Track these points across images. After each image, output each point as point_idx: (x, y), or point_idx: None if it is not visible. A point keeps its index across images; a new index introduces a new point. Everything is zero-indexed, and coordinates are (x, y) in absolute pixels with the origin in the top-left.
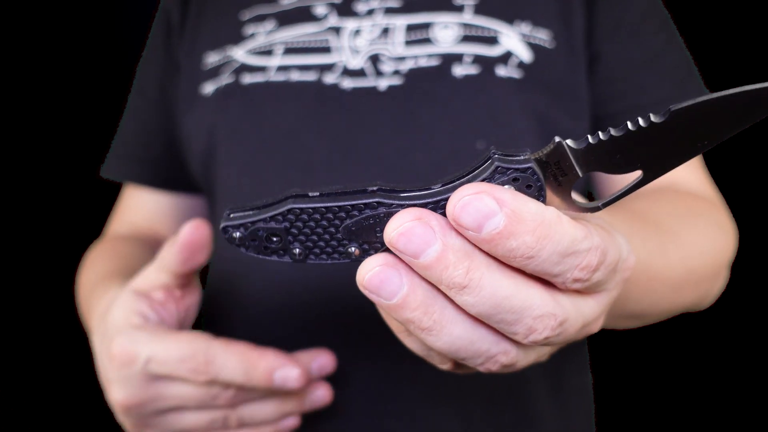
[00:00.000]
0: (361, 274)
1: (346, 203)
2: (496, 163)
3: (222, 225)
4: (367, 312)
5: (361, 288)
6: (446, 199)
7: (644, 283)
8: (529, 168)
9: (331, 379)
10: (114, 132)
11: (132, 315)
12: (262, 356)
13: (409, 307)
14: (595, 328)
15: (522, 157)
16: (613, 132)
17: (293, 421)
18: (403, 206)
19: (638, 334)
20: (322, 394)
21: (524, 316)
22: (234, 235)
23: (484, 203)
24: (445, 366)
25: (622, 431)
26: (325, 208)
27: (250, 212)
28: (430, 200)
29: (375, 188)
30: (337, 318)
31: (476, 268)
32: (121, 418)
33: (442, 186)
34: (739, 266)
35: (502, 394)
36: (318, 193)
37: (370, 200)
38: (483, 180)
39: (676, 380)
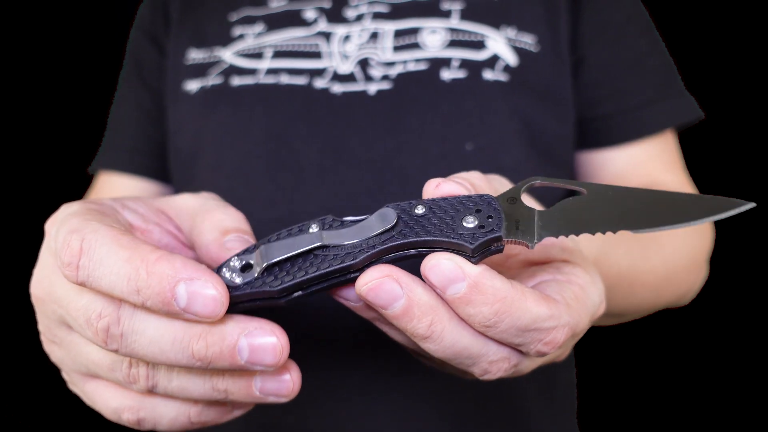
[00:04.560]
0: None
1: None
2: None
3: None
4: (356, 315)
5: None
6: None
7: (626, 288)
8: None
9: (323, 381)
10: (95, 129)
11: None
12: (163, 259)
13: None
14: (561, 358)
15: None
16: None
17: (243, 406)
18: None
19: (620, 330)
20: (283, 381)
21: (480, 361)
22: None
23: (450, 269)
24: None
25: (601, 423)
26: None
27: None
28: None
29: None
30: (327, 321)
31: (438, 321)
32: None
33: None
34: (720, 264)
35: (492, 391)
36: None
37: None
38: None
39: (658, 375)
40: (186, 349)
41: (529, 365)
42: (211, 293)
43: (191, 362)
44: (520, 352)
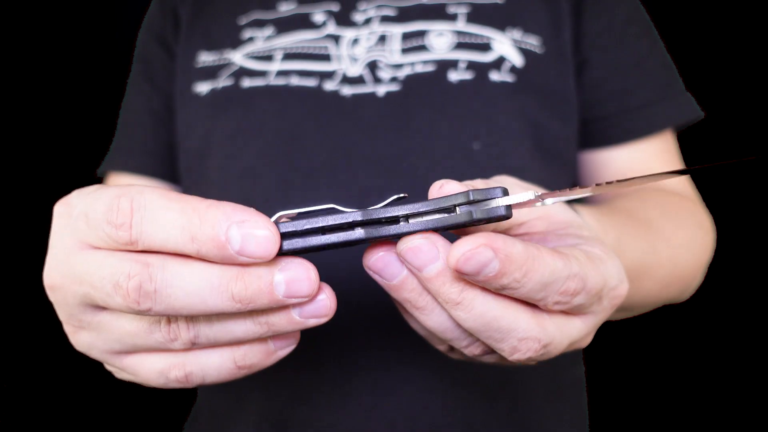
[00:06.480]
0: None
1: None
2: (476, 216)
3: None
4: (369, 302)
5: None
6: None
7: (635, 280)
8: (503, 216)
9: (333, 375)
10: (98, 131)
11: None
12: (213, 206)
13: (405, 288)
14: (584, 344)
15: (497, 207)
16: (579, 186)
17: (285, 345)
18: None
19: (629, 328)
20: (320, 302)
21: (510, 336)
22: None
23: (483, 255)
24: (442, 347)
25: (615, 423)
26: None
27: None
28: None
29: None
30: (340, 308)
31: (470, 288)
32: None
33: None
34: (724, 261)
35: (499, 385)
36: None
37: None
38: (461, 222)
39: (668, 371)
40: (225, 292)
41: (558, 346)
42: (263, 233)
43: (232, 305)
44: (544, 315)
